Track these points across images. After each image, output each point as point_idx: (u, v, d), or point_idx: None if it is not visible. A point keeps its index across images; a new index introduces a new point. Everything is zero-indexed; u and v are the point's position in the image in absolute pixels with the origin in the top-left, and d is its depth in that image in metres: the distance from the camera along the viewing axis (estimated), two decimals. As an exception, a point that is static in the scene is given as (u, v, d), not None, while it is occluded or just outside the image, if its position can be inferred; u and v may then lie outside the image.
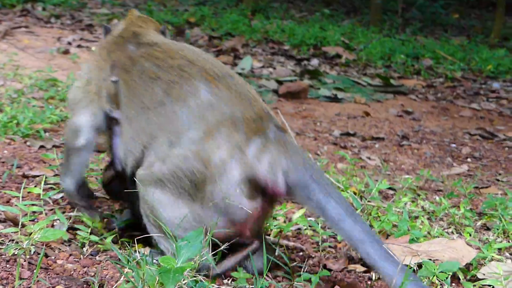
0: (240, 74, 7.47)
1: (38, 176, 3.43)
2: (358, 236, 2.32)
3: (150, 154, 2.39)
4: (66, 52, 7.55)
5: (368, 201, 3.66)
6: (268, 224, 3.01)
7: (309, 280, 2.49)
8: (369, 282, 2.75)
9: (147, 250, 2.57)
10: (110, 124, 2.62)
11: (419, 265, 2.76)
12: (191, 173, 2.28)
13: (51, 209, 2.93)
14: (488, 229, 3.56)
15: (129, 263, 2.16)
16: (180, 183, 2.29)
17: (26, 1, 10.64)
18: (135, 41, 2.65)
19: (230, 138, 2.31)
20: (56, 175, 3.42)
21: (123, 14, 10.68)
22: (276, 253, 2.79)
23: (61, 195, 2.93)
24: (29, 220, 2.51)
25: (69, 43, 8.10)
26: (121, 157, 2.54)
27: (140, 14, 2.92)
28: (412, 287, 2.24)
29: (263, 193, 2.36)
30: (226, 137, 2.31)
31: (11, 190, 2.98)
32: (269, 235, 3.10)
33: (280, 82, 7.27)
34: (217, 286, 2.41)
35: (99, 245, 2.60)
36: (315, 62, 8.65)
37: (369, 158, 5.08)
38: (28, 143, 4.13)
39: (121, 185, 2.64)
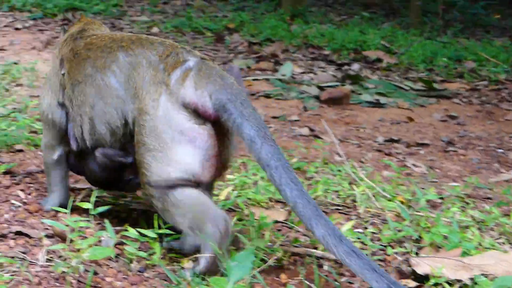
0: (280, 80, 7.46)
1: (84, 189, 3.44)
2: (265, 157, 2.37)
3: (96, 121, 2.67)
4: None
5: (417, 211, 3.61)
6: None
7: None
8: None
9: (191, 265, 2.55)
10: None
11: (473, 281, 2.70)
12: (141, 128, 2.48)
13: (98, 223, 2.92)
14: (541, 239, 3.48)
15: (179, 285, 2.14)
16: (142, 139, 2.50)
17: (67, 10, 10.79)
18: (79, 36, 2.91)
19: (153, 80, 2.49)
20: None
21: (162, 21, 10.74)
22: (325, 268, 2.75)
23: (107, 208, 2.90)
24: (78, 236, 2.49)
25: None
26: (76, 136, 2.78)
27: (91, 19, 3.22)
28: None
29: (206, 119, 2.46)
30: (150, 81, 2.49)
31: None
32: (316, 248, 3.06)
33: (321, 88, 7.19)
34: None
35: (146, 261, 2.58)
36: (356, 66, 8.54)
37: (414, 165, 4.98)
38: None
39: (79, 162, 2.85)
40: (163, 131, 2.42)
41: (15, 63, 6.95)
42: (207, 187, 2.62)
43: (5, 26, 9.47)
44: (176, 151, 2.42)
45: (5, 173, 3.33)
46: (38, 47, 8.03)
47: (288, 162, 2.45)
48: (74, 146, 2.80)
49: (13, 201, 2.98)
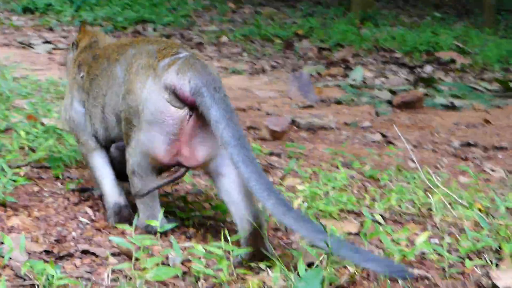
0: (351, 86, 7.35)
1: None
2: (226, 137, 2.56)
3: (106, 109, 2.93)
4: None
5: (496, 220, 3.45)
6: (388, 250, 2.86)
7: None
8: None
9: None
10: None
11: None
12: (128, 106, 2.73)
13: (165, 240, 2.88)
14: None
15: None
16: (126, 119, 2.75)
17: (136, 22, 10.93)
18: (95, 46, 3.20)
19: (145, 65, 2.73)
20: (169, 203, 3.38)
21: (231, 30, 10.77)
22: (400, 283, 2.65)
23: (174, 225, 2.86)
24: (144, 254, 2.45)
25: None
26: (92, 130, 3.04)
27: (92, 29, 3.48)
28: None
29: (185, 104, 2.67)
30: (143, 66, 2.74)
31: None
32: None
33: (393, 92, 7.06)
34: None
35: (214, 279, 2.51)
36: (428, 69, 8.37)
37: (492, 170, 4.81)
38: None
39: None
40: (145, 109, 2.69)
41: None
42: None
43: None
44: (146, 131, 2.69)
45: (74, 190, 3.36)
46: None
47: (248, 143, 2.63)
48: (101, 138, 3.04)
49: (81, 218, 2.97)
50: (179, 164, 2.75)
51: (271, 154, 4.70)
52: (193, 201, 3.38)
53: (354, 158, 4.67)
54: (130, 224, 2.55)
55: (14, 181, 3.08)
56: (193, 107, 2.67)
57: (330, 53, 9.31)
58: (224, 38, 10.01)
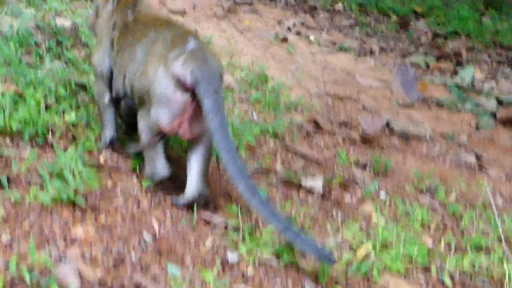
0: (458, 87, 7.03)
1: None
2: (212, 127, 3.08)
3: (126, 77, 3.46)
4: (284, 39, 7.49)
5: None
6: None
7: None
8: None
9: None
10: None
11: None
12: (142, 85, 3.29)
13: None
14: None
15: None
16: (140, 94, 3.32)
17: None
18: (131, 10, 3.65)
19: (160, 53, 3.26)
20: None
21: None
22: None
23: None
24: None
25: (289, 29, 8.05)
26: (115, 87, 3.58)
27: None
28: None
29: (188, 90, 3.17)
30: (157, 53, 3.27)
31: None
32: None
33: (500, 102, 6.68)
34: None
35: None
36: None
37: None
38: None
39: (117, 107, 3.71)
40: (153, 91, 3.22)
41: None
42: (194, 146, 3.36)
43: None
44: (156, 108, 3.21)
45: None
46: (219, 14, 8.03)
47: (230, 134, 3.13)
48: (114, 94, 3.63)
49: (144, 235, 2.93)
50: (177, 134, 3.30)
51: (357, 164, 4.61)
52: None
53: (440, 184, 4.52)
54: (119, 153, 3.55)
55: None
56: (194, 94, 3.19)
57: (445, 41, 8.92)
58: (339, 5, 9.76)
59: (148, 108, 3.28)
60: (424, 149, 5.27)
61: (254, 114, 5.02)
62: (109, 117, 3.70)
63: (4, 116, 3.52)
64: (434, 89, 6.98)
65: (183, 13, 7.69)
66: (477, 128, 6.01)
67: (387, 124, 5.46)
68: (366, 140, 5.03)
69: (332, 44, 7.80)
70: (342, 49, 7.60)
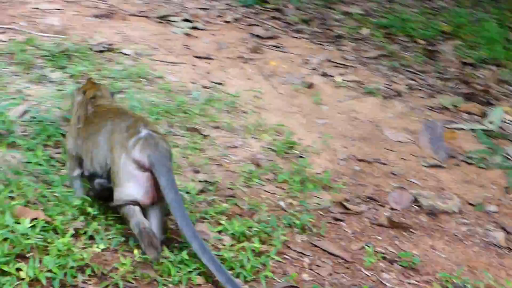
0: (486, 134, 6.94)
1: None
2: (168, 199, 3.82)
3: (94, 161, 4.14)
4: (310, 86, 7.51)
5: None
6: None
7: None
8: None
9: None
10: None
11: None
12: (112, 169, 3.97)
13: None
14: None
15: None
16: (111, 176, 3.99)
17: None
18: (91, 103, 4.42)
19: (120, 142, 3.96)
20: None
21: (374, 14, 10.34)
22: None
23: None
24: None
25: (314, 69, 7.99)
26: (85, 167, 4.22)
27: (96, 83, 4.71)
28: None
29: (145, 170, 3.91)
30: (119, 142, 3.96)
31: None
32: None
33: (528, 152, 6.63)
34: None
35: None
36: None
37: None
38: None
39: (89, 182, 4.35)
40: (121, 174, 3.94)
41: (219, 84, 7.08)
42: (151, 207, 4.02)
43: (218, 16, 9.52)
44: (127, 186, 3.92)
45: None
46: (244, 55, 8.05)
47: (181, 204, 3.82)
48: (85, 173, 4.25)
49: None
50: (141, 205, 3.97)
51: (384, 258, 4.62)
52: None
53: (468, 280, 4.53)
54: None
55: None
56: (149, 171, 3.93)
57: (474, 70, 8.81)
58: (364, 31, 9.67)
59: (120, 189, 3.97)
60: (453, 226, 5.27)
61: (282, 203, 5.07)
62: (78, 185, 4.42)
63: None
64: (462, 138, 6.94)
65: (208, 58, 7.77)
66: (507, 191, 5.95)
67: (415, 199, 5.47)
68: (394, 225, 5.05)
69: (359, 86, 7.77)
70: (369, 92, 7.58)
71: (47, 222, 3.93)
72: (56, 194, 4.31)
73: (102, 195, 4.27)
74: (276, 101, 6.99)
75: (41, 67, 6.50)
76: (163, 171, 3.91)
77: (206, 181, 5.09)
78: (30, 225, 3.79)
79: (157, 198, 4.03)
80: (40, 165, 4.63)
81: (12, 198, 4.15)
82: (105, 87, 4.85)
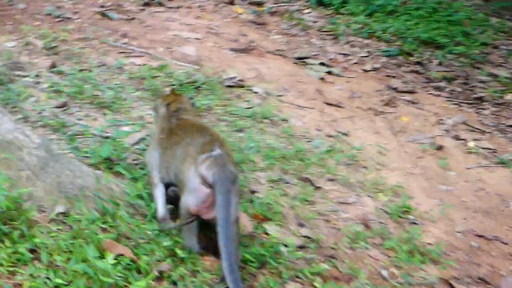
0: None
1: None
2: (219, 218, 3.98)
3: (170, 170, 4.49)
4: (439, 148, 7.20)
5: None
6: None
7: None
8: None
9: None
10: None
11: None
12: (180, 178, 4.32)
13: None
14: None
15: None
16: (179, 184, 4.36)
17: (426, 44, 10.31)
18: (175, 116, 4.76)
19: (192, 156, 4.24)
20: None
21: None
22: None
23: None
24: None
25: (447, 131, 7.72)
26: (163, 175, 4.57)
27: (180, 94, 5.10)
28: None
29: (210, 187, 4.13)
30: (191, 156, 4.26)
31: None
32: None
33: None
34: None
35: None
36: None
37: None
38: None
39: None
40: (187, 185, 4.21)
41: (345, 134, 6.98)
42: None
43: (356, 63, 9.45)
44: (187, 197, 4.21)
45: None
46: (376, 107, 7.88)
47: (229, 224, 3.96)
48: (163, 180, 4.58)
49: None
50: (200, 216, 4.23)
51: None
52: None
53: None
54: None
55: None
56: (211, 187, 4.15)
57: None
58: (509, 96, 9.18)
59: (184, 197, 4.27)
60: None
61: (384, 272, 4.86)
62: (158, 196, 4.61)
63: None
64: None
65: (338, 106, 7.67)
66: None
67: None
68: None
69: (492, 154, 7.40)
70: (501, 162, 7.19)
71: (132, 260, 3.91)
72: (149, 232, 4.32)
73: (176, 203, 4.50)
74: (400, 160, 6.78)
75: (168, 96, 6.65)
76: (222, 191, 4.10)
77: (308, 237, 4.98)
78: (114, 261, 3.78)
79: (211, 216, 4.23)
80: (141, 198, 4.66)
81: (104, 229, 4.19)
82: (188, 98, 5.18)
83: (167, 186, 4.67)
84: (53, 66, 6.77)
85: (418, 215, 5.73)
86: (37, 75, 6.51)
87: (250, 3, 11.04)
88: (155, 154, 4.75)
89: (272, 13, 10.83)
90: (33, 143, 4.48)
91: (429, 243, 5.36)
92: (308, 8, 11.31)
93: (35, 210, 4.10)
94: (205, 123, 5.23)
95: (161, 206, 4.61)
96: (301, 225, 5.12)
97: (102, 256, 3.79)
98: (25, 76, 6.44)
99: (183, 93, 5.37)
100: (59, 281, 3.56)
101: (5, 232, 3.77)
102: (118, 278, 3.71)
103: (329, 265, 4.70)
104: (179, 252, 4.17)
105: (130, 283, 3.73)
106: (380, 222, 5.47)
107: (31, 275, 3.58)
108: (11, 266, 3.62)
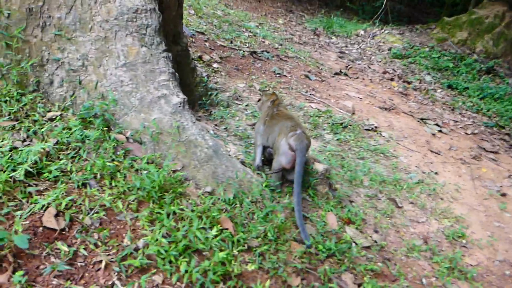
0: None
1: None
2: (295, 174, 5.07)
3: (269, 139, 5.36)
4: (503, 195, 7.64)
5: None
6: None
7: None
8: None
9: None
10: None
11: None
12: (276, 145, 5.45)
13: None
14: None
15: None
16: (274, 149, 5.37)
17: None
18: (275, 107, 5.83)
19: (284, 132, 5.28)
20: None
21: None
22: None
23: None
24: None
25: (514, 183, 6.96)
26: (267, 141, 5.56)
27: (277, 95, 6.05)
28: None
29: (294, 151, 4.94)
30: (283, 132, 5.30)
31: None
32: None
33: None
34: None
35: None
36: None
37: None
38: None
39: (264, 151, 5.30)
40: (279, 149, 5.18)
41: (435, 173, 7.75)
42: (291, 171, 5.13)
43: (462, 127, 10.23)
44: (280, 157, 5.18)
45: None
46: (465, 159, 8.69)
47: (301, 175, 5.14)
48: (264, 144, 5.53)
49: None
50: (284, 168, 5.17)
51: None
52: None
53: None
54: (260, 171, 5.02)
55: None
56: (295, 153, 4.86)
57: None
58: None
59: (277, 157, 5.18)
60: None
61: (424, 280, 5.29)
62: (258, 152, 5.62)
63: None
64: None
65: (438, 154, 8.62)
66: None
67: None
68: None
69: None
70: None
71: (231, 234, 4.41)
72: (255, 217, 4.96)
73: (270, 159, 5.53)
74: (469, 198, 7.38)
75: (322, 129, 8.02)
76: (300, 155, 5.07)
77: (375, 241, 5.45)
78: (216, 233, 4.37)
79: (292, 166, 5.12)
80: (271, 190, 5.61)
81: (225, 209, 4.86)
82: (282, 99, 6.31)
83: (265, 148, 5.60)
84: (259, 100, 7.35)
85: (469, 241, 6.13)
86: (247, 105, 8.02)
87: (404, 81, 12.60)
88: (261, 127, 5.66)
89: (416, 89, 12.33)
90: (207, 144, 4.99)
91: (470, 265, 5.76)
92: (440, 89, 12.61)
93: (192, 186, 4.65)
94: (293, 114, 6.50)
95: (258, 158, 5.59)
96: (376, 231, 5.66)
97: (211, 227, 4.16)
98: (239, 104, 7.99)
99: (280, 96, 6.25)
100: (163, 240, 3.78)
101: (158, 197, 4.20)
102: (214, 245, 3.96)
103: (383, 266, 4.98)
104: (270, 235, 4.50)
105: (222, 250, 4.01)
106: (437, 240, 5.97)
107: (152, 230, 3.83)
108: (149, 222, 3.91)
